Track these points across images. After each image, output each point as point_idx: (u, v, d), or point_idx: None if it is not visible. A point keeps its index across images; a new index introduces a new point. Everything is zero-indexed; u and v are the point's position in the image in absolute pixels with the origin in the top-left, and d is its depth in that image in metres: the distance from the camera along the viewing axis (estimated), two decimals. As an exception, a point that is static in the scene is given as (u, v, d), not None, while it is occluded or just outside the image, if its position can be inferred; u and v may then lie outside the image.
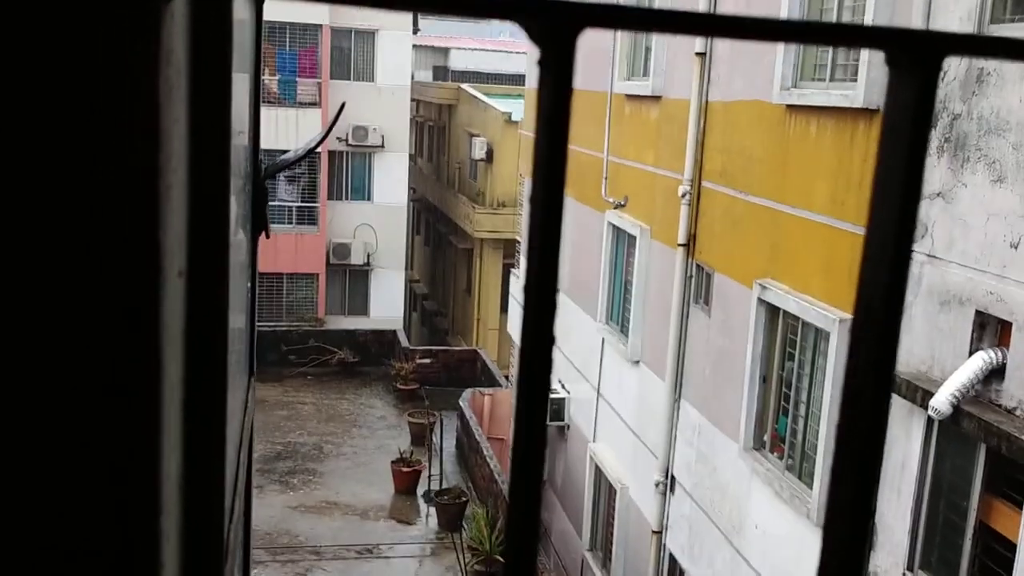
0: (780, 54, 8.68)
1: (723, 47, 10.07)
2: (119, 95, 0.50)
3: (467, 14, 0.39)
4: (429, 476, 17.75)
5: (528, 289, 0.41)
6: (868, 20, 7.42)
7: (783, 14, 8.62)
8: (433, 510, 17.02)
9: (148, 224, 0.53)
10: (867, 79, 7.40)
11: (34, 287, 0.52)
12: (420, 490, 17.87)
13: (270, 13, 26.61)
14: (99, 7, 0.48)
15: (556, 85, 0.39)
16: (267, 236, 2.06)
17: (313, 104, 25.61)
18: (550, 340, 0.41)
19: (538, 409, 0.42)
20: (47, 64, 0.49)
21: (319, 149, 25.40)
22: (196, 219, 0.81)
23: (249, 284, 2.00)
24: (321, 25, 25.53)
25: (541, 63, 0.39)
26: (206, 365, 0.88)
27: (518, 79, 32.15)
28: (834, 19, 8.18)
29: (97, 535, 0.58)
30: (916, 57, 0.45)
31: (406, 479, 17.84)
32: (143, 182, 0.52)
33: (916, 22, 6.88)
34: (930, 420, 6.63)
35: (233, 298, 1.46)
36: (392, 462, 18.06)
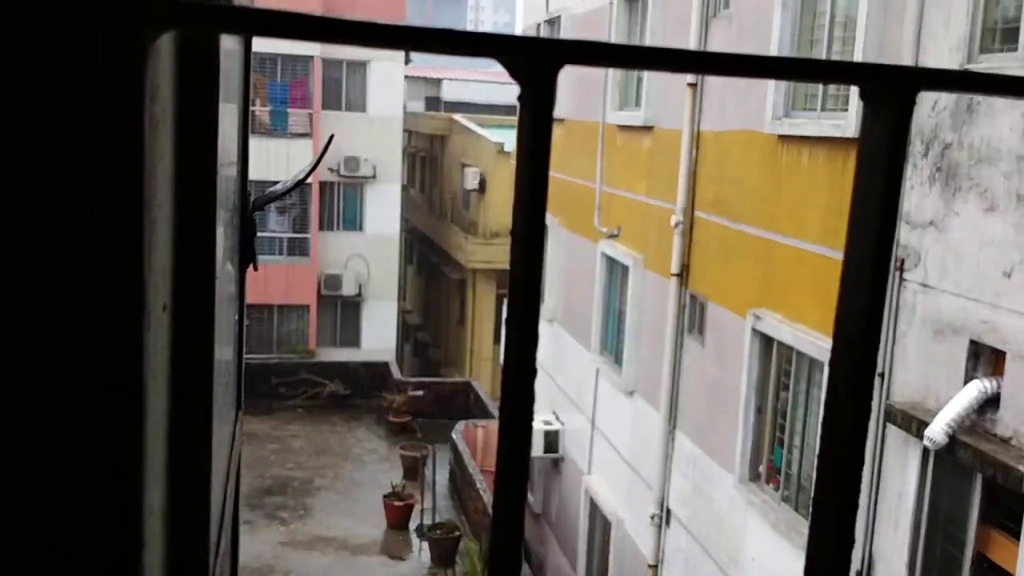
0: (771, 84, 8.74)
1: (714, 77, 10.14)
2: (103, 131, 0.51)
3: (448, 52, 0.39)
4: (422, 510, 17.60)
5: (510, 322, 0.40)
6: (858, 49, 7.48)
7: (773, 44, 8.69)
8: (426, 545, 16.85)
9: (131, 259, 0.53)
10: (858, 109, 7.44)
11: (14, 320, 0.53)
12: (413, 524, 17.71)
13: (261, 45, 26.84)
14: (85, 44, 0.48)
15: (536, 120, 0.39)
16: (255, 268, 2.04)
17: (304, 135, 25.69)
18: (531, 372, 0.41)
19: (521, 440, 0.41)
20: (33, 99, 0.49)
21: (310, 180, 25.44)
22: (182, 253, 0.81)
23: (237, 317, 1.99)
24: (312, 56, 25.67)
25: (521, 99, 0.39)
26: (192, 399, 0.87)
27: (510, 109, 32.35)
28: (824, 48, 8.25)
29: (78, 570, 0.57)
30: (890, 92, 0.46)
31: (398, 513, 17.68)
32: (127, 217, 0.52)
33: (906, 52, 6.94)
34: (926, 450, 6.60)
35: (220, 331, 1.44)
36: (384, 496, 17.92)
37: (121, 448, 0.57)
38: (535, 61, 0.38)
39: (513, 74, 0.38)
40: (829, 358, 0.50)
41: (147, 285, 0.55)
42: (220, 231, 1.49)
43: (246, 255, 1.97)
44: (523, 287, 0.39)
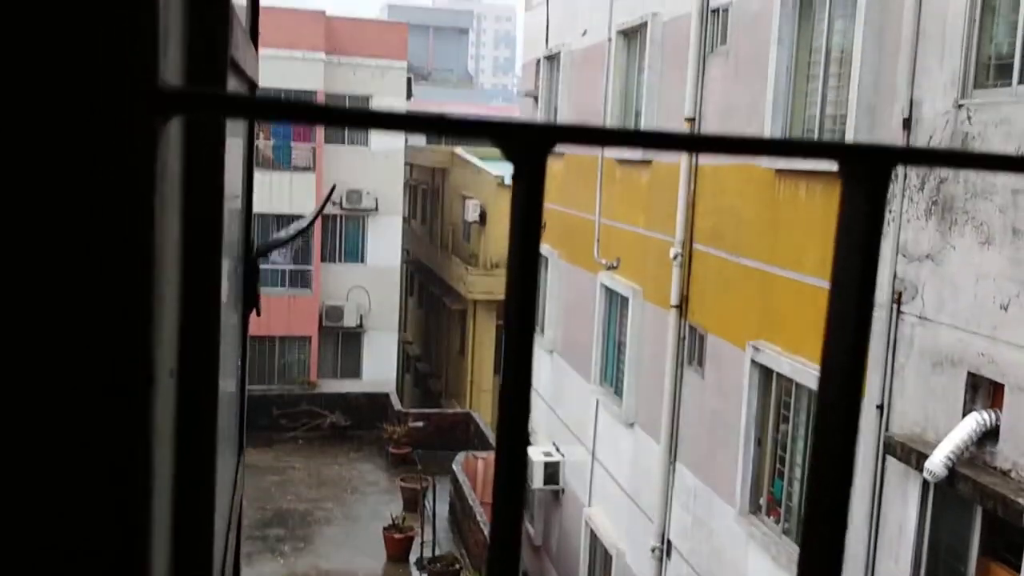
0: (768, 118, 8.83)
1: (712, 112, 10.24)
2: (116, 211, 0.52)
3: (446, 135, 0.42)
4: (422, 542, 17.50)
5: (503, 398, 0.43)
6: (853, 84, 7.56)
7: (770, 78, 8.79)
8: (425, 577, 16.74)
9: (141, 335, 0.55)
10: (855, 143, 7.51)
11: (23, 391, 0.54)
12: (413, 557, 17.60)
13: (264, 79, 27.00)
14: (94, 132, 0.50)
15: (528, 198, 0.42)
16: (258, 314, 2.07)
17: (307, 169, 25.84)
18: (525, 442, 0.43)
19: (517, 473, 0.44)
20: (43, 187, 0.51)
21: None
22: (188, 319, 0.83)
23: (239, 362, 2.01)
24: (316, 91, 25.88)
25: (515, 177, 0.42)
26: (195, 461, 0.89)
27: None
28: (820, 83, 8.33)
29: None
30: (867, 168, 0.48)
31: (398, 546, 17.58)
32: (137, 295, 0.54)
33: (901, 87, 7.02)
34: (926, 483, 6.60)
35: (222, 376, 1.48)
36: (384, 528, 17.82)
37: (127, 516, 0.58)
38: (526, 143, 0.42)
39: (507, 155, 0.42)
40: (813, 423, 0.53)
41: (156, 359, 0.57)
42: (224, 281, 1.54)
43: (249, 301, 2.00)
44: (516, 357, 0.42)
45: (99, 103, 0.50)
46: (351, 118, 0.43)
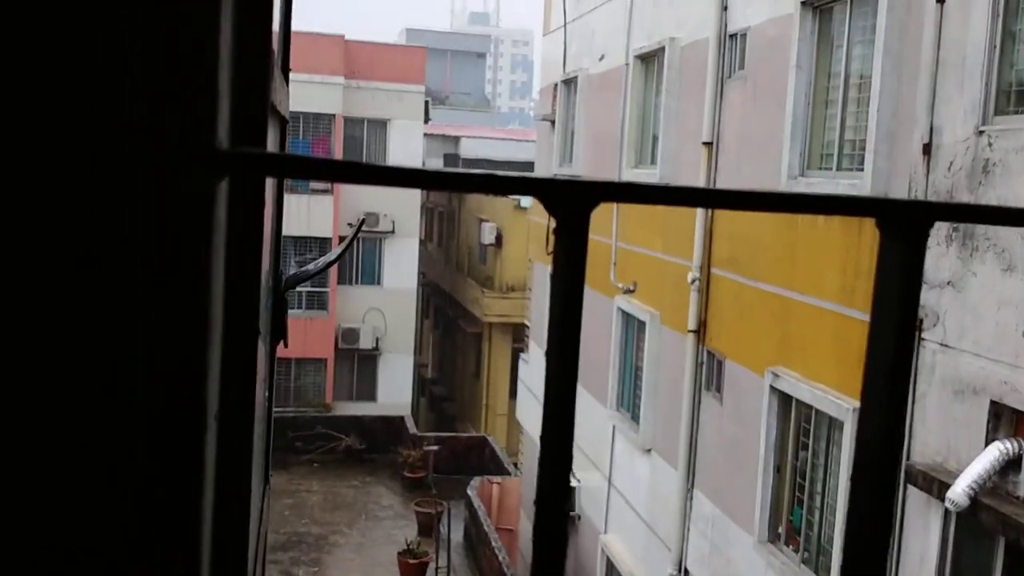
0: (787, 142, 8.81)
1: (730, 136, 10.23)
2: (175, 271, 0.54)
3: (491, 192, 0.42)
4: (436, 568, 17.40)
5: (544, 447, 0.43)
6: (872, 111, 7.54)
7: (789, 104, 8.78)
8: (440, 602, 16.65)
9: (196, 377, 0.56)
10: (874, 168, 7.49)
11: (88, 450, 0.55)
12: (427, 581, 17.51)
13: (285, 103, 27.12)
14: (160, 189, 0.52)
15: (570, 254, 0.42)
16: (286, 345, 2.08)
17: (325, 191, 25.97)
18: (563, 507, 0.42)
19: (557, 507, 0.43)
20: (118, 238, 0.53)
21: (330, 234, 25.66)
22: (229, 364, 0.85)
23: (267, 393, 2.02)
24: (334, 115, 26.06)
25: (557, 233, 0.42)
26: (231, 505, 0.91)
27: (527, 166, 32.63)
28: (839, 109, 8.32)
29: None
30: (904, 224, 0.48)
31: (413, 571, 17.49)
32: (195, 337, 0.56)
33: (920, 114, 6.99)
34: (947, 512, 6.52)
35: (256, 409, 1.48)
36: (399, 553, 17.75)
37: (181, 562, 0.59)
38: (571, 200, 0.42)
39: (550, 211, 0.41)
40: (854, 458, 0.53)
41: (209, 407, 0.58)
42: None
43: (277, 333, 2.00)
44: (557, 406, 0.42)
45: (162, 167, 0.51)
46: (392, 176, 0.42)
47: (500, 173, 0.40)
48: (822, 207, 0.52)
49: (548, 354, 0.43)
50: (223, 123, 0.68)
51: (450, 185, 0.40)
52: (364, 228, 26.71)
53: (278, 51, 2.02)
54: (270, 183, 1.50)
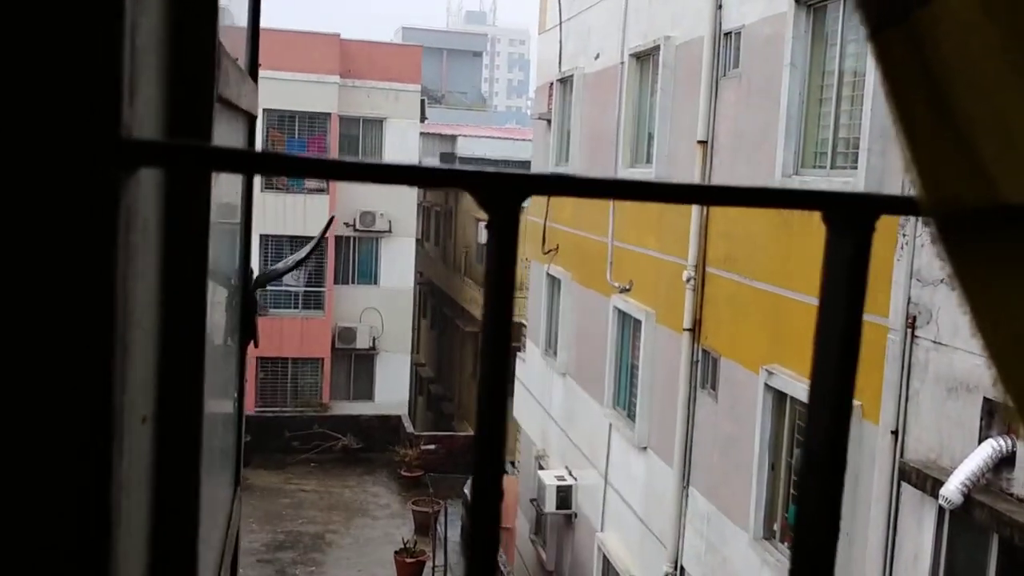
0: (781, 140, 8.82)
1: (725, 135, 10.24)
2: (74, 267, 0.52)
3: (424, 186, 0.42)
4: (433, 567, 17.42)
5: (477, 449, 0.43)
6: (867, 109, 7.54)
7: (783, 103, 8.79)
8: (437, 601, 16.66)
9: (100, 379, 0.54)
10: (867, 166, 7.50)
11: None
12: (424, 580, 17.52)
13: (279, 102, 27.09)
14: (59, 178, 0.50)
15: (501, 244, 0.42)
16: (256, 345, 2.07)
17: (320, 191, 25.96)
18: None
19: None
20: (9, 226, 0.51)
21: (326, 236, 25.63)
22: (168, 365, 0.83)
23: (236, 393, 2.01)
24: (330, 114, 26.05)
25: (488, 226, 0.43)
26: (176, 502, 0.89)
27: (524, 165, 32.64)
28: (833, 107, 8.32)
29: None
30: (851, 218, 0.49)
31: (410, 570, 17.50)
32: (97, 346, 0.54)
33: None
34: (941, 510, 6.53)
35: (216, 412, 1.46)
36: (395, 552, 17.76)
37: (91, 565, 0.56)
38: (500, 193, 0.42)
39: (481, 204, 0.42)
40: (802, 450, 0.53)
41: (116, 406, 0.56)
42: (223, 312, 1.53)
43: (247, 333, 1.99)
44: (488, 398, 0.42)
45: (60, 156, 0.49)
46: (318, 168, 0.42)
47: (425, 165, 0.40)
48: (768, 201, 0.52)
49: (481, 352, 0.43)
50: (147, 112, 0.67)
51: (372, 177, 0.39)
52: (361, 228, 26.71)
53: (246, 49, 2.01)
54: (229, 178, 1.50)
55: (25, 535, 0.54)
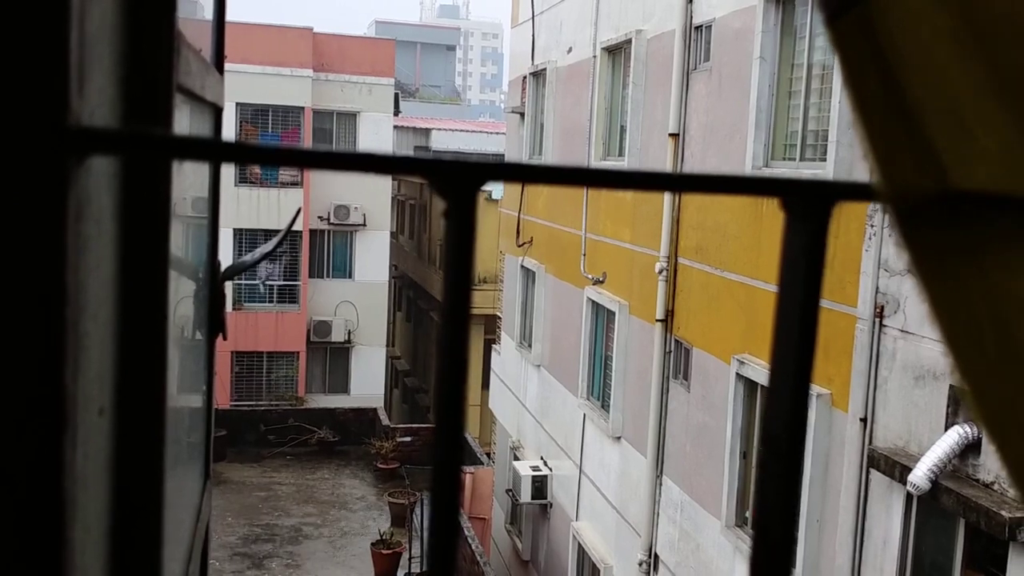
0: (751, 133, 8.90)
1: (696, 127, 10.31)
2: (17, 258, 0.51)
3: (375, 172, 0.44)
4: (410, 558, 17.44)
5: (437, 410, 0.45)
6: (835, 101, 7.63)
7: (752, 96, 8.86)
8: (414, 593, 16.68)
9: (50, 377, 0.54)
10: (836, 158, 7.59)
11: None
12: (401, 573, 17.54)
13: (252, 96, 26.85)
14: (1, 167, 0.50)
15: (460, 232, 0.43)
16: (224, 338, 2.09)
17: (294, 184, 25.83)
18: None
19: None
20: None
21: (300, 228, 25.54)
22: (126, 356, 0.82)
23: (206, 387, 2.01)
24: (303, 107, 25.91)
25: (445, 214, 0.44)
26: (139, 496, 0.87)
27: (498, 158, 32.51)
28: (802, 99, 8.41)
29: None
30: (809, 204, 0.49)
31: (386, 562, 17.52)
32: (46, 336, 0.53)
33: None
34: (909, 496, 6.63)
35: (183, 405, 1.47)
36: (372, 544, 17.76)
37: (43, 561, 0.55)
38: (456, 180, 0.44)
39: (439, 192, 0.44)
40: (757, 460, 0.53)
41: (68, 401, 0.55)
42: (189, 303, 1.54)
43: (215, 325, 2.00)
44: (448, 388, 0.44)
45: (4, 144, 0.49)
46: (271, 155, 0.44)
47: (381, 152, 0.43)
48: (727, 188, 0.52)
49: (438, 341, 0.45)
50: (100, 100, 0.67)
51: (329, 164, 0.42)
52: (335, 221, 26.60)
53: (211, 41, 2.01)
54: (196, 169, 1.51)
55: None
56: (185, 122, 1.29)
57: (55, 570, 0.55)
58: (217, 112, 1.90)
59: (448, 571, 0.46)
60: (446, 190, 0.44)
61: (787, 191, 0.50)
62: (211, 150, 0.43)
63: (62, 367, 0.54)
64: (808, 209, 0.49)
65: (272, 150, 0.43)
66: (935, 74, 0.43)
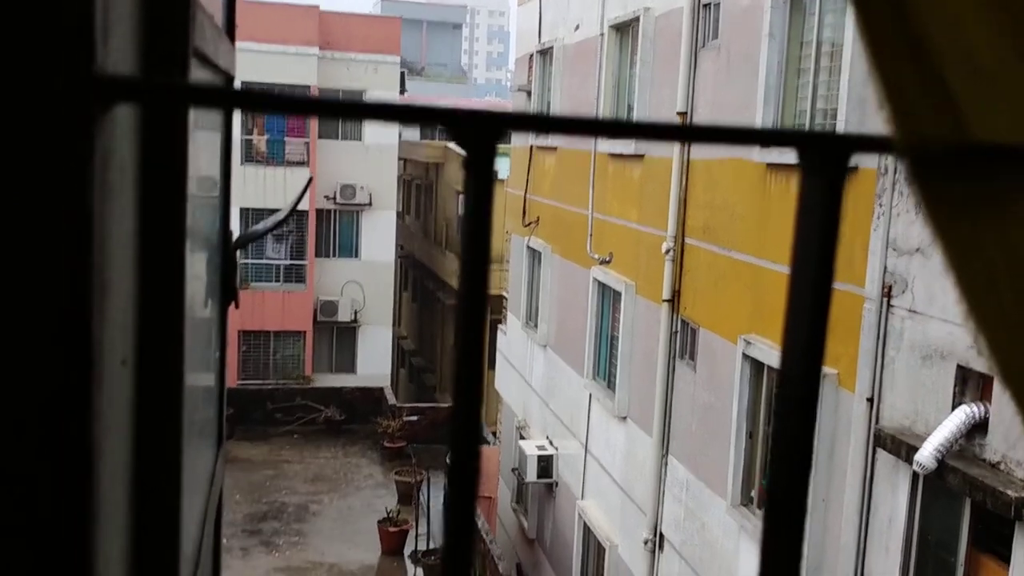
0: (760, 111, 8.85)
1: (704, 105, 10.26)
2: (49, 204, 0.52)
3: (400, 123, 0.43)
4: (416, 536, 17.54)
5: (456, 386, 0.44)
6: (844, 78, 7.58)
7: (761, 73, 8.81)
8: (420, 571, 16.79)
9: (77, 319, 0.54)
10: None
11: None
12: (407, 550, 17.65)
13: (258, 74, 26.87)
14: (31, 113, 0.50)
15: (479, 183, 0.43)
16: (236, 306, 2.09)
17: (301, 163, 25.82)
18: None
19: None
20: None
21: (306, 207, 25.54)
22: (146, 309, 0.83)
23: (218, 353, 2.01)
24: (309, 86, 25.85)
25: (466, 165, 0.44)
26: (157, 449, 0.88)
27: (505, 138, 32.44)
28: (811, 76, 8.35)
29: None
30: (825, 157, 0.48)
31: (393, 539, 17.63)
32: (74, 281, 0.53)
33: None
34: (915, 475, 6.64)
35: (198, 369, 1.47)
36: (379, 522, 17.87)
37: (69, 507, 0.55)
38: (477, 129, 0.44)
39: (459, 142, 0.44)
40: (775, 408, 0.53)
41: (95, 344, 0.56)
42: (200, 271, 1.54)
43: (227, 293, 2.00)
44: (465, 345, 0.43)
45: (34, 93, 0.50)
46: (293, 105, 0.44)
47: (397, 102, 0.42)
48: (743, 139, 0.52)
49: (458, 294, 0.45)
50: (121, 57, 0.68)
51: (347, 113, 0.42)
52: (341, 201, 26.59)
53: (222, 9, 2.01)
54: (208, 137, 1.50)
55: (3, 469, 0.53)
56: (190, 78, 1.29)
57: (82, 507, 0.56)
58: (229, 80, 1.90)
59: (466, 563, 0.45)
60: (466, 139, 0.44)
61: (802, 143, 0.49)
62: (228, 98, 0.43)
63: (89, 311, 0.54)
64: (825, 161, 0.49)
65: (297, 100, 0.43)
66: (954, 22, 0.42)
